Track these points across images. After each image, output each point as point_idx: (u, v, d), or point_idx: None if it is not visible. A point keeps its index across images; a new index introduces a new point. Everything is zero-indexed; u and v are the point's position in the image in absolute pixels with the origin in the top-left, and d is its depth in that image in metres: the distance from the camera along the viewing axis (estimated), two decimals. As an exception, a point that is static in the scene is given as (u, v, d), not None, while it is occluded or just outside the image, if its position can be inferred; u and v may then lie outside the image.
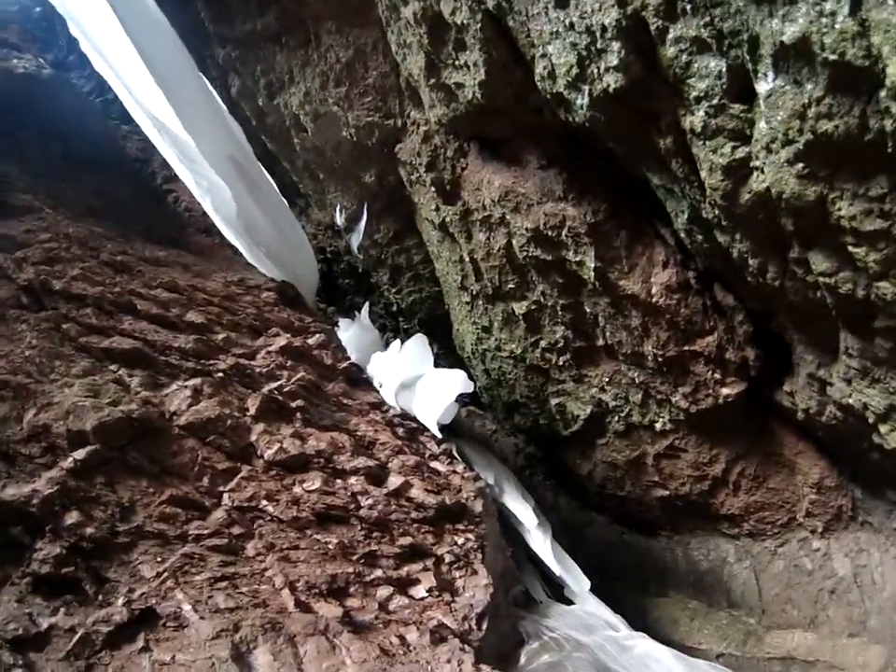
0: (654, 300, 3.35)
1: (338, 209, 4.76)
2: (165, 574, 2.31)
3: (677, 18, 2.18)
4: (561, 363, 4.06)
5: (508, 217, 3.60)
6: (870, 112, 1.81)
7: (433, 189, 3.96)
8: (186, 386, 3.08)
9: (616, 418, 4.05)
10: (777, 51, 1.92)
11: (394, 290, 5.09)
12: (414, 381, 3.83)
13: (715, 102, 2.23)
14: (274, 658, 2.13)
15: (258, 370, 3.53)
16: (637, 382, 3.81)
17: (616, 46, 2.39)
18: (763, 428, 3.70)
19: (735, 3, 1.98)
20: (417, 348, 4.14)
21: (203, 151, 4.08)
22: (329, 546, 2.76)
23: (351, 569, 2.67)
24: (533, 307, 3.91)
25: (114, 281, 3.60)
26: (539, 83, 2.90)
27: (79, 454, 2.48)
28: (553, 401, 4.25)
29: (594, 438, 4.27)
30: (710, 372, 3.50)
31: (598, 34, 2.41)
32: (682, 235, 3.06)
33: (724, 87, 2.19)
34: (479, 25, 2.97)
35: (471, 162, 3.76)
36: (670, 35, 2.23)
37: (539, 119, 3.26)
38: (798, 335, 3.01)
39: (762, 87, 2.05)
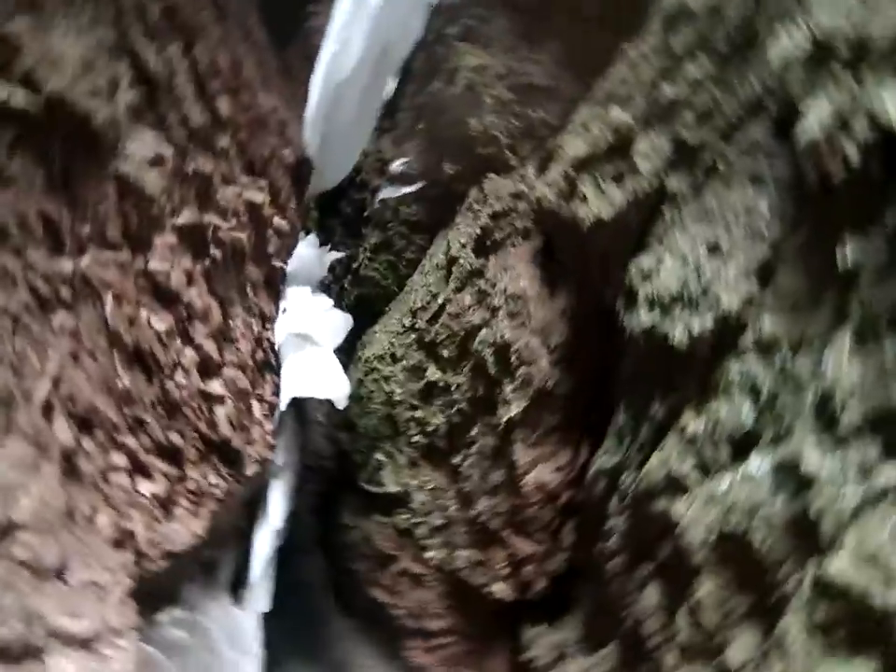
0: (523, 486, 3.37)
1: (402, 161, 4.64)
2: None
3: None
4: (413, 437, 4.02)
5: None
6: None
7: (468, 231, 3.91)
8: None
9: (407, 517, 4.05)
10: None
11: (368, 255, 4.98)
12: (305, 344, 3.72)
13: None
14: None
15: (221, 200, 3.36)
16: (448, 513, 3.82)
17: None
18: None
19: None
20: (337, 326, 4.05)
21: (372, 17, 3.92)
22: (118, 383, 2.62)
23: (112, 420, 2.55)
24: (442, 384, 3.86)
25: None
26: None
27: None
28: (380, 456, 4.20)
29: (383, 514, 4.25)
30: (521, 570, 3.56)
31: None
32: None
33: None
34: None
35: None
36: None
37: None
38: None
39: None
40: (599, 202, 2.88)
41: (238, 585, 3.50)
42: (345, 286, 5.22)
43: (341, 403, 3.63)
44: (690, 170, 2.52)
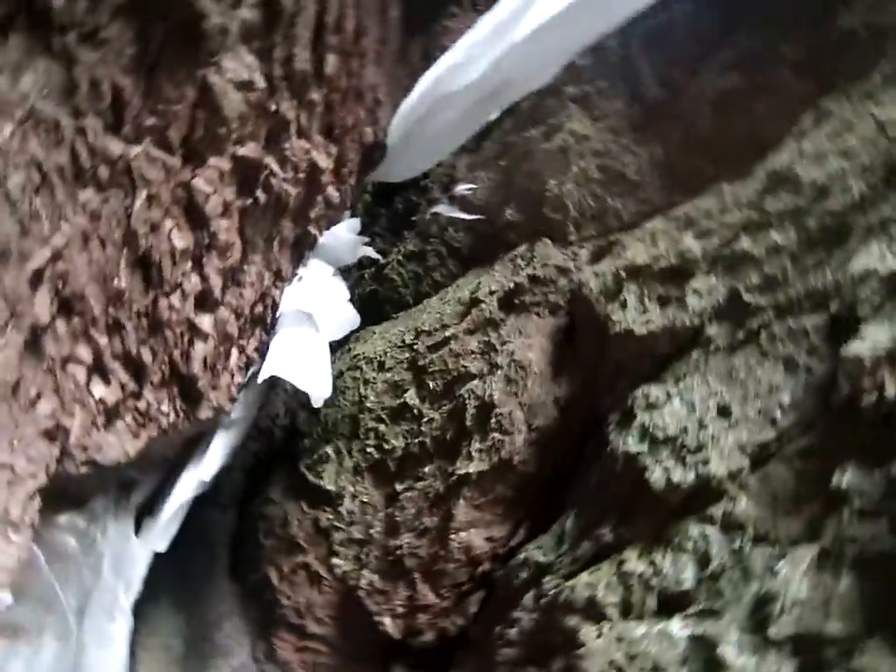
0: (451, 541, 3.39)
1: (469, 187, 4.62)
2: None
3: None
4: (368, 448, 3.99)
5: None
6: None
7: (502, 281, 3.89)
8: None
9: (330, 518, 4.01)
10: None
11: (399, 259, 4.95)
12: (304, 324, 3.67)
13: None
14: None
15: (288, 150, 3.31)
16: (370, 532, 3.81)
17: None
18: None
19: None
20: (343, 321, 4.01)
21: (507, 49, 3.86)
22: (114, 282, 2.58)
23: (94, 313, 2.51)
24: (416, 412, 3.83)
25: None
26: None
27: None
28: (330, 450, 4.18)
29: (309, 504, 4.21)
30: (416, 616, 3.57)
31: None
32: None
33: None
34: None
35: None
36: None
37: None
38: None
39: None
40: (637, 315, 2.87)
41: (144, 517, 3.44)
42: (365, 276, 5.18)
43: (317, 402, 3.54)
44: (734, 326, 2.51)
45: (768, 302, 2.44)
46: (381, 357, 4.22)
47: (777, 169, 2.76)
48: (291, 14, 2.93)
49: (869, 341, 1.87)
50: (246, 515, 4.76)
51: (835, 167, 2.53)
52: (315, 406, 3.64)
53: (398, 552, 3.58)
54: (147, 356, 2.85)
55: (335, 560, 3.85)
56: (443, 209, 4.62)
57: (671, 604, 2.20)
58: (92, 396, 2.65)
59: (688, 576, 2.20)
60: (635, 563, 2.37)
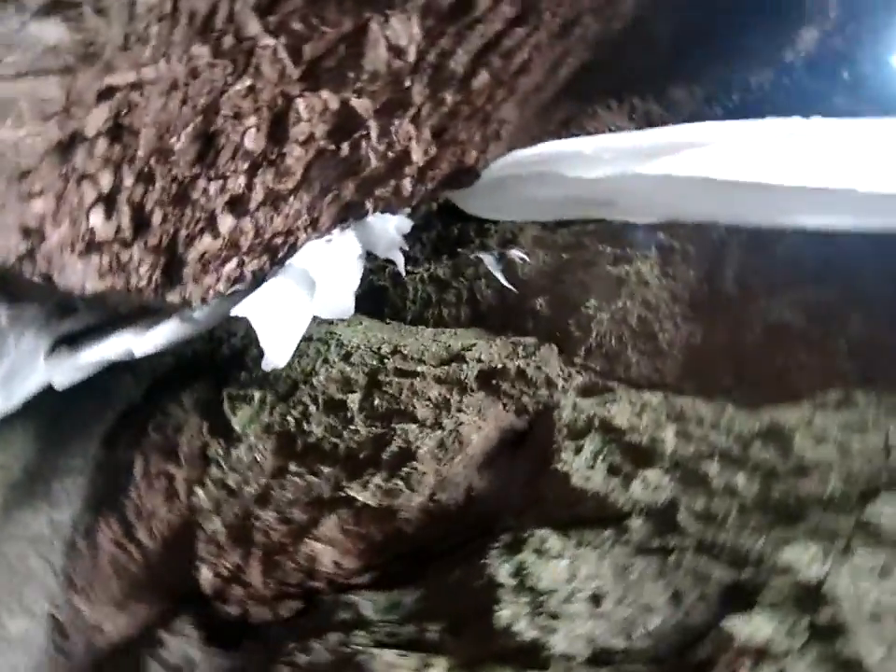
0: (303, 543, 3.37)
1: (522, 257, 4.64)
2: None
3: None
4: (289, 417, 3.99)
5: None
6: None
7: (493, 357, 3.88)
8: None
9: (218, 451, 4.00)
10: None
11: (422, 276, 4.96)
12: (302, 286, 3.64)
13: None
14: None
15: (394, 125, 3.31)
16: (243, 488, 3.78)
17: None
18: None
19: None
20: (339, 307, 4.01)
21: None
22: (171, 139, 2.59)
23: (136, 151, 2.50)
24: (349, 416, 3.82)
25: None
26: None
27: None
28: (256, 395, 4.19)
29: (209, 430, 4.22)
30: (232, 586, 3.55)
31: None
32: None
33: None
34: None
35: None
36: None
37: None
38: None
39: None
40: (583, 466, 2.88)
41: (61, 347, 3.40)
42: (387, 270, 5.18)
43: (266, 365, 3.51)
44: (654, 533, 2.54)
45: (695, 532, 2.46)
46: (352, 348, 4.21)
47: (780, 424, 2.79)
48: (477, 18, 2.97)
49: (751, 627, 1.89)
50: (151, 399, 4.72)
51: (827, 456, 2.56)
52: (263, 368, 3.58)
53: (255, 521, 3.54)
54: (156, 217, 2.84)
55: (199, 490, 3.82)
56: (488, 261, 4.63)
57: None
58: (87, 221, 2.64)
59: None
60: (437, 673, 2.36)
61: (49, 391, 3.45)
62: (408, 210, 4.19)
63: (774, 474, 2.60)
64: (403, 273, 4.51)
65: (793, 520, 2.41)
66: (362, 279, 4.60)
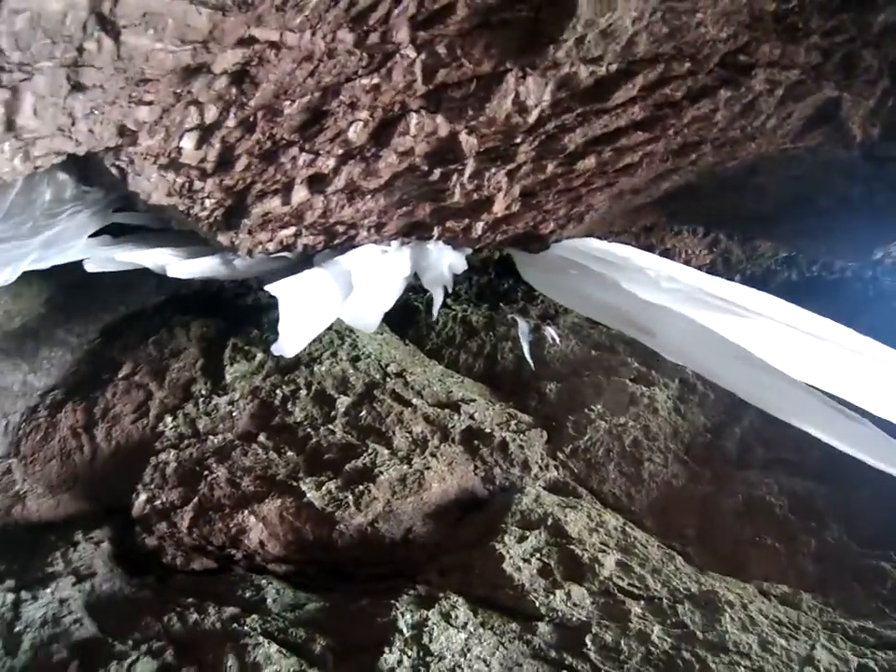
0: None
1: (557, 335, 4.70)
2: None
3: None
4: (280, 392, 4.07)
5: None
6: None
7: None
8: None
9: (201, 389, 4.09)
10: None
11: (455, 314, 5.04)
12: (339, 283, 3.65)
13: None
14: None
15: (487, 171, 3.34)
16: (203, 437, 3.86)
17: None
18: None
19: None
20: (365, 318, 4.06)
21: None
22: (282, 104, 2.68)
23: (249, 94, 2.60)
24: (332, 415, 3.90)
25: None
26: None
27: None
28: (260, 356, 4.29)
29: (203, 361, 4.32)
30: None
31: None
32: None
33: None
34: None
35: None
36: None
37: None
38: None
39: None
40: (517, 555, 2.98)
41: (100, 237, 3.47)
42: (423, 292, 5.25)
43: (276, 350, 3.52)
44: (561, 650, 2.59)
45: (594, 661, 2.49)
46: (362, 354, 4.30)
47: (718, 595, 2.83)
48: (607, 109, 3.04)
49: None
50: (164, 313, 4.82)
51: (746, 646, 2.56)
52: (272, 351, 3.58)
53: (206, 471, 3.59)
54: (240, 163, 2.92)
55: (168, 418, 3.90)
56: (522, 327, 4.69)
57: None
58: (179, 141, 2.72)
59: None
60: None
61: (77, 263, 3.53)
62: (468, 252, 4.23)
63: (690, 640, 2.60)
64: (435, 314, 4.54)
65: None
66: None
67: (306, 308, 3.53)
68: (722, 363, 3.39)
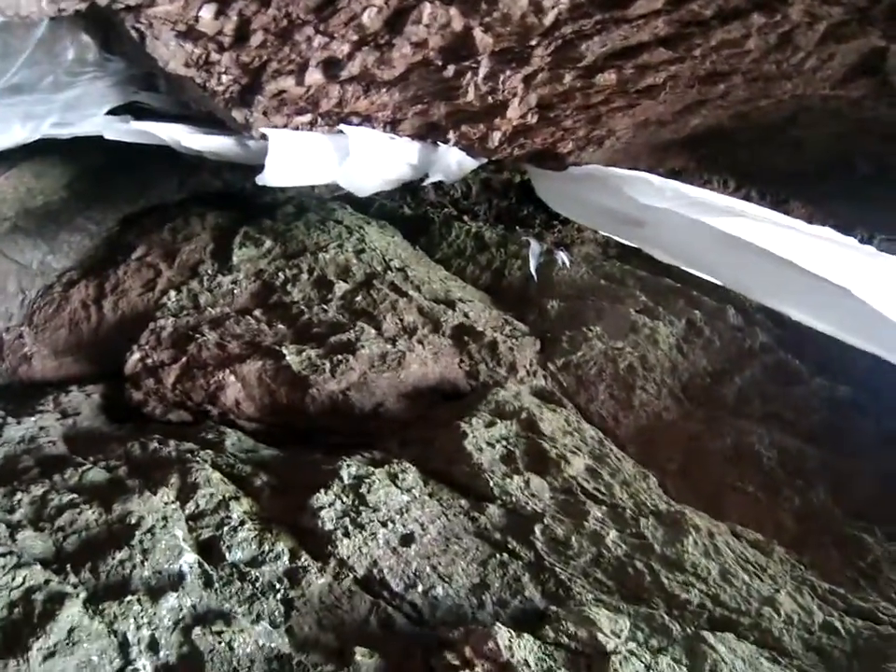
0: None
1: (567, 259, 4.70)
2: None
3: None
4: (283, 274, 4.20)
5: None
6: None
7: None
8: None
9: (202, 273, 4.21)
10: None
11: (471, 230, 5.06)
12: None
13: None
14: None
15: (502, 73, 3.34)
16: (201, 311, 3.96)
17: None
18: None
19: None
20: (360, 181, 4.00)
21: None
22: None
23: None
24: (328, 297, 4.02)
25: None
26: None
27: None
28: (269, 241, 4.39)
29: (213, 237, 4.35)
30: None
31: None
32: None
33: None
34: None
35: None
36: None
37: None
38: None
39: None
40: (482, 437, 3.06)
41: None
42: (440, 208, 5.28)
43: (260, 180, 3.53)
44: (506, 533, 2.63)
45: (539, 551, 2.53)
46: (367, 248, 4.40)
47: (687, 519, 2.83)
48: (628, 18, 2.97)
49: (513, 644, 1.94)
50: (182, 207, 4.94)
51: (706, 571, 2.54)
52: (255, 181, 3.58)
53: (198, 335, 3.75)
54: (256, 38, 2.95)
55: (172, 292, 4.04)
56: (533, 247, 4.72)
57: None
58: (198, 10, 2.77)
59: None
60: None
61: (104, 155, 3.59)
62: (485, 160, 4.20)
63: (645, 552, 2.61)
64: (431, 196, 4.51)
65: (631, 598, 2.42)
66: (416, 205, 4.71)
67: (297, 155, 3.54)
68: (713, 253, 3.30)
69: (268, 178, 3.53)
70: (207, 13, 2.81)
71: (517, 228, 5.28)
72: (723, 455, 3.54)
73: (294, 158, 3.53)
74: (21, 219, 4.50)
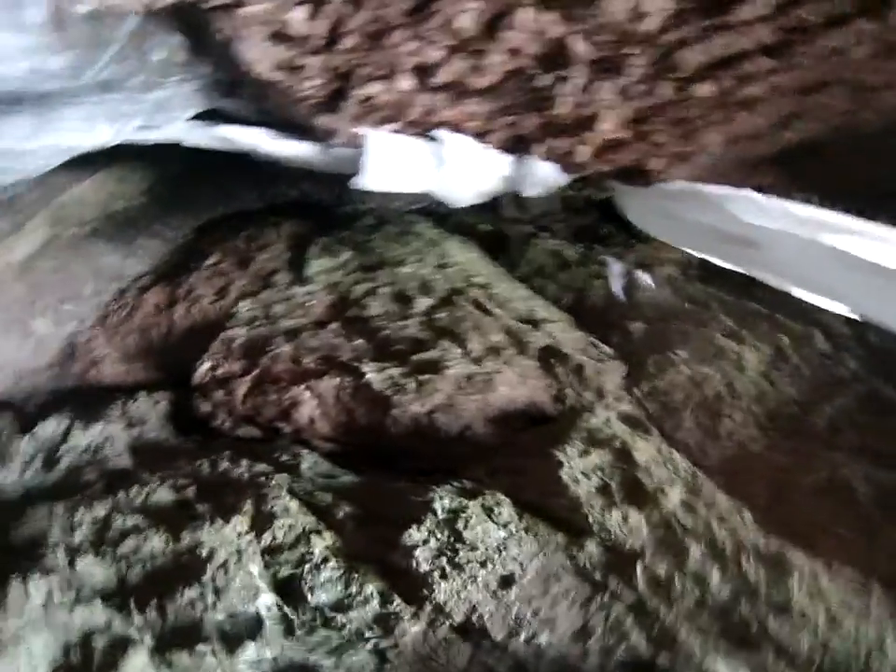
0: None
1: (650, 282, 4.56)
2: None
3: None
4: (360, 287, 4.07)
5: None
6: None
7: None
8: None
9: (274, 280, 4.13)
10: None
11: (547, 246, 4.95)
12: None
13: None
14: None
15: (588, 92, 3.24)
16: (274, 321, 3.91)
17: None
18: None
19: None
20: (456, 192, 3.89)
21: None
22: None
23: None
24: (405, 315, 3.87)
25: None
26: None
27: None
28: (347, 254, 4.33)
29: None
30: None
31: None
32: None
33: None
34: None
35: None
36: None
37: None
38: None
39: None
40: (578, 467, 2.89)
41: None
42: (517, 224, 5.16)
43: (354, 183, 3.44)
44: (606, 572, 2.49)
45: (641, 592, 2.39)
46: (450, 263, 4.28)
47: (787, 557, 2.67)
48: (731, 24, 2.84)
49: None
50: (261, 216, 4.88)
51: (815, 616, 2.40)
52: (349, 184, 3.49)
53: (271, 347, 3.64)
54: (348, 42, 2.87)
55: (245, 301, 3.98)
56: (614, 268, 4.60)
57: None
58: (290, 12, 2.71)
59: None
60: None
61: (182, 162, 3.56)
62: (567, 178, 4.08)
63: (751, 595, 2.45)
64: (510, 211, 4.41)
65: (740, 645, 2.27)
66: (494, 221, 4.59)
67: (394, 160, 3.45)
68: (834, 275, 3.14)
69: (366, 181, 3.45)
70: (300, 14, 2.74)
71: (595, 246, 5.14)
72: (814, 490, 3.28)
73: (391, 162, 3.44)
74: (102, 224, 4.55)
